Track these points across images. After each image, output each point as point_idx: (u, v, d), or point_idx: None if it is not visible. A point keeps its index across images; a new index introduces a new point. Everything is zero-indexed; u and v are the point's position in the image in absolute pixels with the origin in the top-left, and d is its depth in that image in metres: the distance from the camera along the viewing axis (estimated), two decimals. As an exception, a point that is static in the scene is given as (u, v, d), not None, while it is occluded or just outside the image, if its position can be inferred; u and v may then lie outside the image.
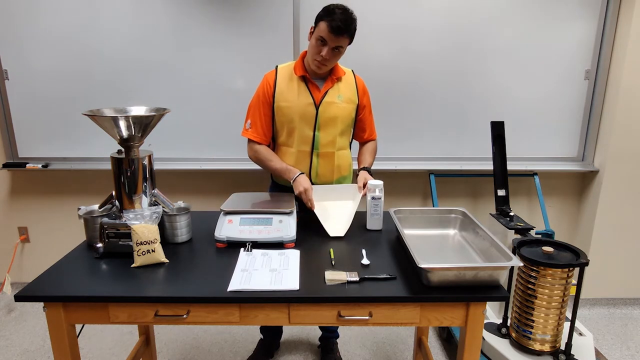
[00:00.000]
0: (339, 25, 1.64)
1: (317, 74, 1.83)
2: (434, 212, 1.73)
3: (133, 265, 1.42)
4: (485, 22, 2.49)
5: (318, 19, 1.71)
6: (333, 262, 1.46)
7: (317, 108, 1.82)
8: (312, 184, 1.91)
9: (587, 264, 1.68)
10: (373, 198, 1.70)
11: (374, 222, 1.73)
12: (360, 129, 2.00)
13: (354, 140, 2.05)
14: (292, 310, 1.30)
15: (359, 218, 1.84)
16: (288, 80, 1.83)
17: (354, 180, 2.00)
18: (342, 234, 1.67)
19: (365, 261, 1.46)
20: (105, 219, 1.50)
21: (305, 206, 1.79)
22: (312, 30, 1.75)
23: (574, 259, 1.71)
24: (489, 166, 2.66)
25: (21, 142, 2.63)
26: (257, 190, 2.77)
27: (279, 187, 2.00)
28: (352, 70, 1.94)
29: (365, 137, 2.03)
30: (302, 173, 1.80)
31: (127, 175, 1.49)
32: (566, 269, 1.69)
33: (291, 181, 1.79)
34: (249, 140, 1.90)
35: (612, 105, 2.53)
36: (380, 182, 1.71)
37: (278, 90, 1.82)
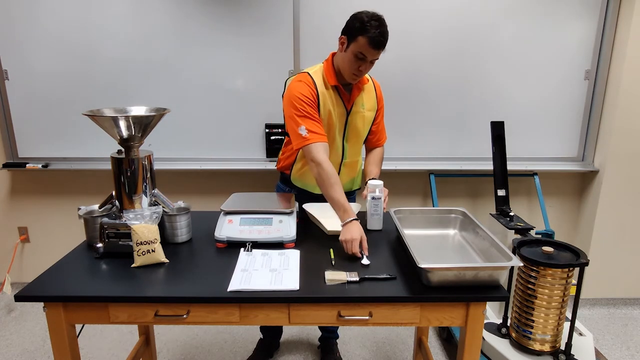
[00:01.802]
0: (380, 40, 1.58)
1: (345, 82, 1.77)
2: (434, 212, 1.73)
3: (133, 265, 1.42)
4: (485, 22, 2.49)
5: (353, 33, 1.60)
6: (333, 262, 1.46)
7: (347, 118, 1.79)
8: None
9: (587, 264, 1.68)
10: (373, 198, 1.69)
11: (374, 222, 1.73)
12: (371, 132, 1.94)
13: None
14: (292, 310, 1.30)
15: (360, 217, 1.84)
16: (324, 88, 1.74)
17: (362, 182, 1.99)
18: (340, 229, 1.65)
19: (365, 261, 1.46)
20: (105, 219, 1.50)
21: (305, 210, 1.79)
22: (344, 41, 1.65)
23: (574, 259, 1.71)
24: (489, 166, 2.66)
25: (21, 142, 2.63)
26: (258, 190, 2.77)
27: (290, 189, 1.98)
28: (370, 77, 1.89)
29: (374, 141, 1.96)
30: (356, 219, 1.56)
31: (127, 175, 1.49)
32: (566, 269, 1.69)
33: (341, 223, 1.57)
34: (309, 146, 1.66)
35: (612, 105, 2.53)
36: (380, 182, 1.71)
37: (321, 98, 1.72)
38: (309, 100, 1.68)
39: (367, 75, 1.86)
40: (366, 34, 1.57)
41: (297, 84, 1.71)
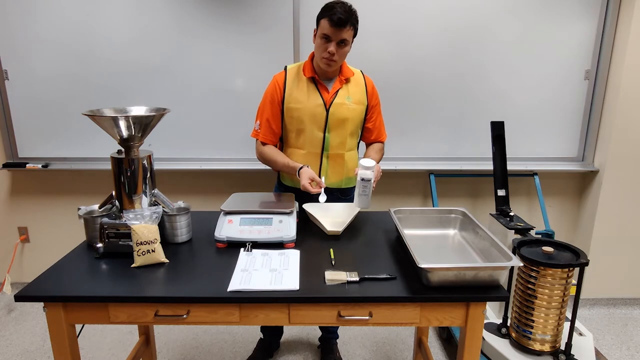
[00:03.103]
0: (339, 17, 1.64)
1: (326, 75, 1.82)
2: (434, 212, 1.73)
3: (133, 265, 1.42)
4: (485, 22, 2.49)
5: (319, 19, 1.71)
6: (333, 262, 1.46)
7: (327, 110, 1.81)
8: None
9: (587, 264, 1.68)
10: (362, 179, 1.66)
11: (361, 201, 1.70)
12: (367, 130, 1.97)
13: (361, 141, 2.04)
14: (292, 310, 1.30)
15: (360, 216, 1.84)
16: (297, 81, 1.82)
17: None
18: (340, 229, 1.65)
19: (322, 198, 1.67)
20: (105, 219, 1.50)
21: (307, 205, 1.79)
22: (315, 32, 1.75)
23: (574, 259, 1.71)
24: (489, 166, 2.66)
25: (21, 142, 2.63)
26: (258, 190, 2.77)
27: (284, 189, 1.99)
28: (361, 71, 1.93)
29: (372, 139, 2.00)
30: (305, 166, 1.79)
31: (127, 175, 1.49)
32: (566, 269, 1.69)
33: (297, 176, 1.78)
34: (257, 141, 1.91)
35: (612, 105, 2.53)
36: (372, 163, 1.66)
37: (288, 92, 1.82)
38: (271, 98, 1.84)
39: (354, 69, 1.90)
40: (327, 14, 1.66)
41: (270, 82, 1.87)
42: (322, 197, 1.69)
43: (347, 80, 1.85)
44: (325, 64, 1.75)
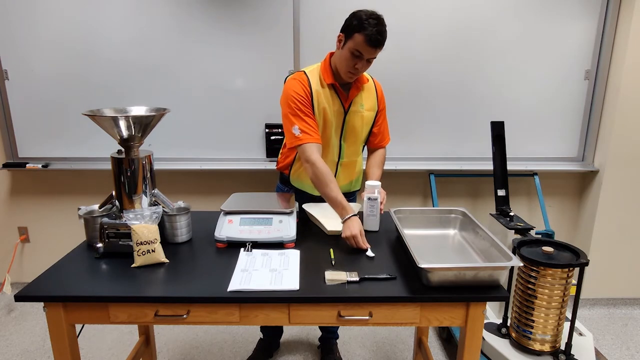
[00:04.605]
0: (377, 39, 1.57)
1: (343, 81, 1.76)
2: (434, 212, 1.73)
3: (133, 265, 1.42)
4: (485, 22, 2.49)
5: (351, 30, 1.60)
6: (333, 262, 1.46)
7: (344, 117, 1.78)
8: None
9: (587, 264, 1.68)
10: (369, 199, 1.67)
11: (370, 223, 1.71)
12: (372, 134, 1.92)
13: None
14: (292, 310, 1.30)
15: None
16: (320, 86, 1.74)
17: (362, 183, 1.99)
18: (340, 229, 1.65)
19: (370, 253, 1.48)
20: (105, 219, 1.50)
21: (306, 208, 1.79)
22: (342, 38, 1.65)
23: (574, 259, 1.71)
24: (489, 166, 2.66)
25: (21, 142, 2.63)
26: (258, 190, 2.77)
27: (285, 189, 1.98)
28: (371, 77, 1.88)
29: (376, 143, 1.94)
30: (355, 215, 1.61)
31: (127, 175, 1.49)
32: (566, 269, 1.69)
33: (341, 219, 1.62)
34: (304, 147, 1.68)
35: (612, 105, 2.53)
36: (377, 183, 1.70)
37: (315, 95, 1.72)
38: (302, 99, 1.69)
39: (367, 75, 1.85)
40: (363, 31, 1.57)
41: (291, 83, 1.72)
42: (370, 253, 1.54)
43: (363, 88, 1.81)
44: (349, 77, 1.70)
